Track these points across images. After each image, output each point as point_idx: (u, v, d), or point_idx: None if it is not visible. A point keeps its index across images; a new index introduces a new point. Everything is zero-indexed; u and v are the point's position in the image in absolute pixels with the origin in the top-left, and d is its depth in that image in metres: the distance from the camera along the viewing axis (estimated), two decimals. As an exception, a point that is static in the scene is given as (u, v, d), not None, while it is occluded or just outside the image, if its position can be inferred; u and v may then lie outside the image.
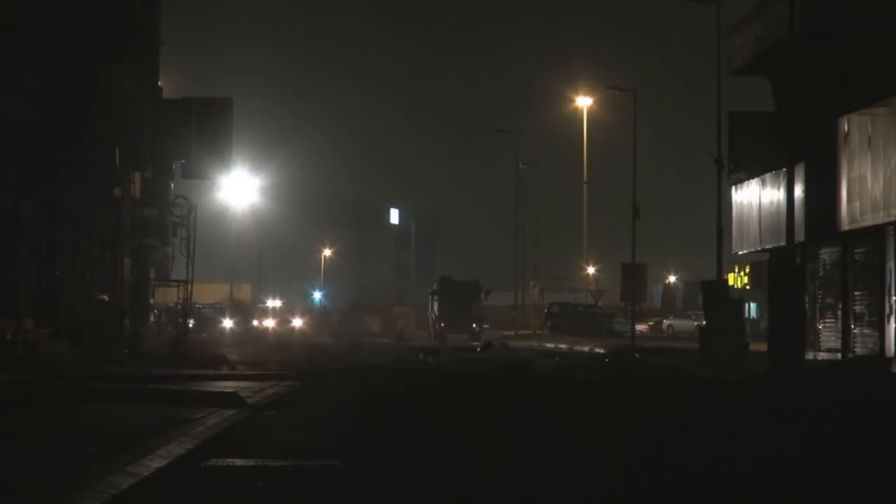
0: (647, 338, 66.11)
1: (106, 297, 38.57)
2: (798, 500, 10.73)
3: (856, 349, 33.82)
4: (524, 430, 16.05)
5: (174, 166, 49.42)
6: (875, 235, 32.19)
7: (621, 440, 14.92)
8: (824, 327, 36.16)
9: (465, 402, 21.18)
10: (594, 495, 10.72)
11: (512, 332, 76.53)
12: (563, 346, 54.85)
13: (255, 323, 73.34)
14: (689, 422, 17.81)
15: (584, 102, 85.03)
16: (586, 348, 51.01)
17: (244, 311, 75.38)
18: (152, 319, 52.20)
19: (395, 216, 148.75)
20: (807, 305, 37.08)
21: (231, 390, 20.36)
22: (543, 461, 12.74)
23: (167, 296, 54.73)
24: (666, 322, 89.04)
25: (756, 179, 39.39)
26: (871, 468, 12.67)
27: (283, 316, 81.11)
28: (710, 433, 16.03)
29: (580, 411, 19.39)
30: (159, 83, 48.97)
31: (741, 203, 41.03)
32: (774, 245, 37.77)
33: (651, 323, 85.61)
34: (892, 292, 31.55)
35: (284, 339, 57.03)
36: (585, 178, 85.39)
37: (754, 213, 39.46)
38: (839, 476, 12.02)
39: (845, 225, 32.79)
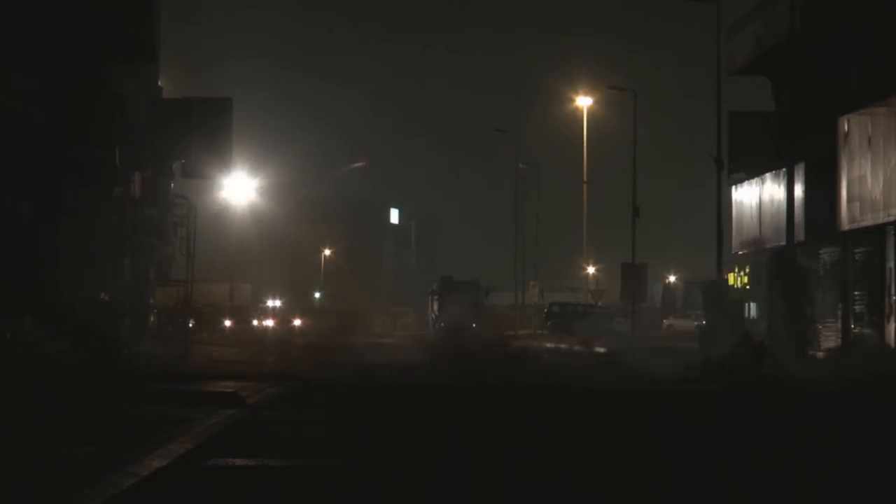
0: (647, 338, 65.98)
1: (106, 297, 38.55)
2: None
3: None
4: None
5: (174, 166, 49.39)
6: (875, 235, 32.19)
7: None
8: (824, 327, 36.15)
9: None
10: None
11: (511, 332, 76.41)
12: (563, 345, 54.77)
13: (255, 323, 73.19)
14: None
15: (584, 102, 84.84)
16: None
17: (242, 312, 75.18)
18: (152, 319, 52.13)
19: (395, 216, 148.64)
20: (807, 305, 37.08)
21: (231, 390, 20.37)
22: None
23: (167, 296, 54.65)
24: (666, 322, 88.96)
25: (756, 179, 39.41)
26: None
27: (282, 316, 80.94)
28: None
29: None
30: (159, 83, 48.97)
31: (741, 203, 41.04)
32: (774, 245, 37.78)
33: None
34: (892, 292, 31.54)
35: (284, 338, 56.72)
36: (585, 178, 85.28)
37: (754, 213, 39.48)
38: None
39: (845, 225, 32.80)
